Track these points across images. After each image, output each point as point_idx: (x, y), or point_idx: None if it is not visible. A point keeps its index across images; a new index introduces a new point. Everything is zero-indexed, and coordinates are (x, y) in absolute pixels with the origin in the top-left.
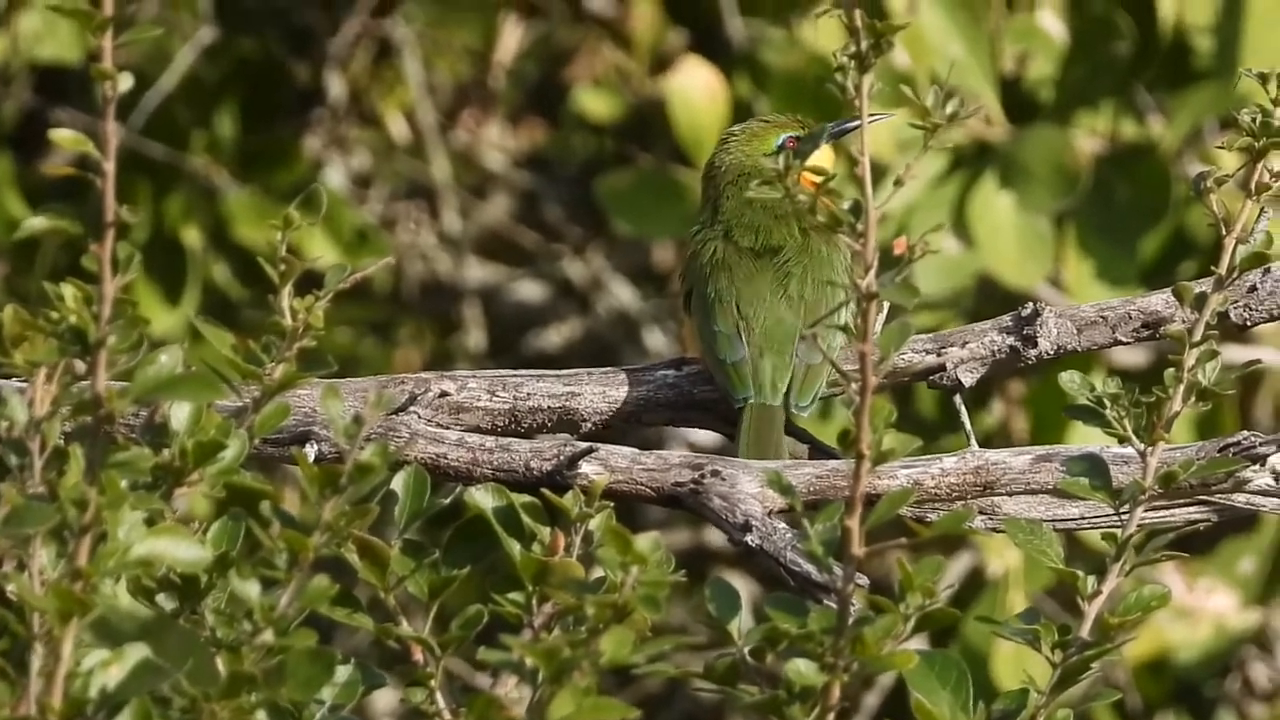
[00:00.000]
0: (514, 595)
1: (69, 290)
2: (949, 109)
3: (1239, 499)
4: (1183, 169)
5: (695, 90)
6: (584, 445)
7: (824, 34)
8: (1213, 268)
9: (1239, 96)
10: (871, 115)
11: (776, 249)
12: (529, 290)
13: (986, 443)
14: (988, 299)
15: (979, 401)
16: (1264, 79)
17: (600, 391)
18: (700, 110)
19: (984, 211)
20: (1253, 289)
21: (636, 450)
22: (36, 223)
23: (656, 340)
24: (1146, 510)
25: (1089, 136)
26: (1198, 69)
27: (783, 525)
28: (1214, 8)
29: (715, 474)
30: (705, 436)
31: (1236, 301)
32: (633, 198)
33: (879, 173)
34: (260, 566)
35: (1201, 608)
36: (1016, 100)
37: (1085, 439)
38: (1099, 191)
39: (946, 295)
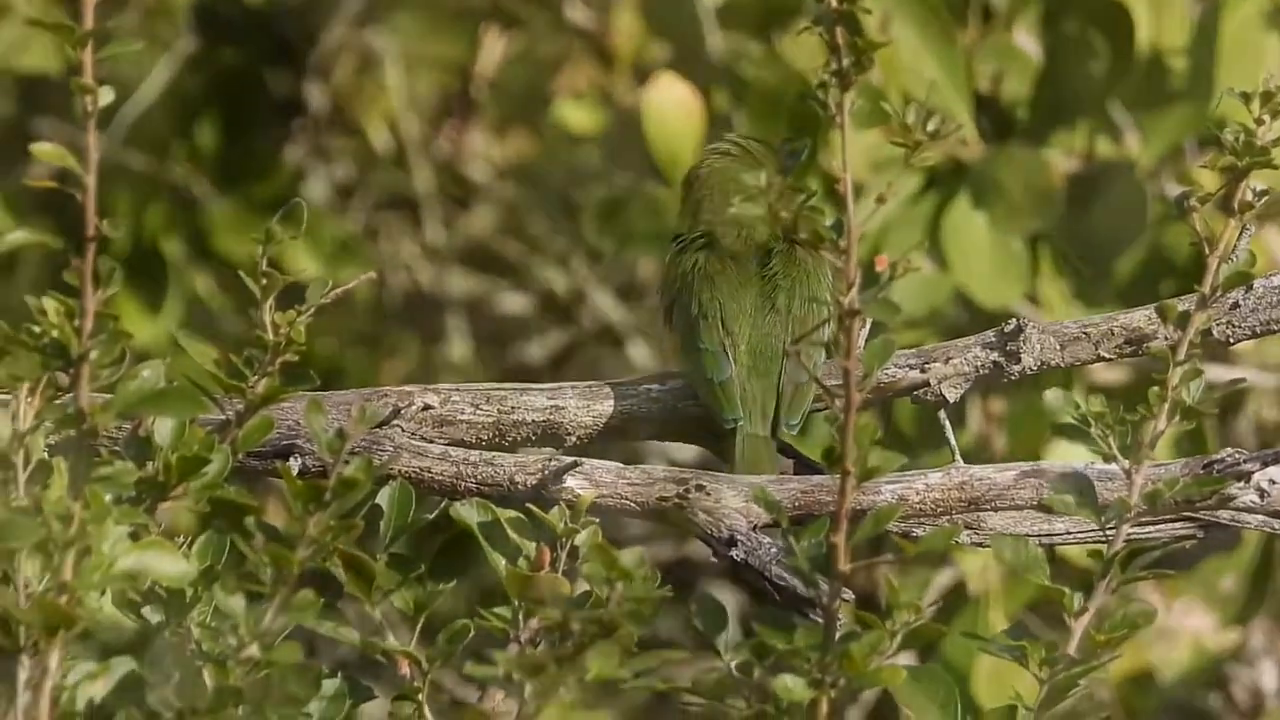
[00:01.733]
0: (500, 610)
1: (51, 304)
2: (930, 127)
3: (1224, 515)
4: (1159, 188)
5: (670, 105)
6: (569, 460)
7: (802, 50)
8: (1196, 286)
9: (1215, 117)
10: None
11: (763, 250)
12: (513, 302)
13: (967, 459)
14: (971, 318)
15: (958, 418)
16: (1246, 98)
17: (585, 405)
18: (675, 126)
19: (958, 231)
20: (1235, 306)
21: (621, 464)
22: (18, 236)
23: (640, 353)
24: (1132, 527)
25: (1064, 155)
26: (1173, 89)
27: (768, 540)
28: (1188, 29)
29: (700, 488)
30: (688, 451)
31: (1219, 319)
32: (611, 214)
33: (855, 191)
34: (245, 581)
35: (1179, 627)
36: (991, 119)
37: (1066, 455)
38: (1074, 211)
39: (924, 313)
